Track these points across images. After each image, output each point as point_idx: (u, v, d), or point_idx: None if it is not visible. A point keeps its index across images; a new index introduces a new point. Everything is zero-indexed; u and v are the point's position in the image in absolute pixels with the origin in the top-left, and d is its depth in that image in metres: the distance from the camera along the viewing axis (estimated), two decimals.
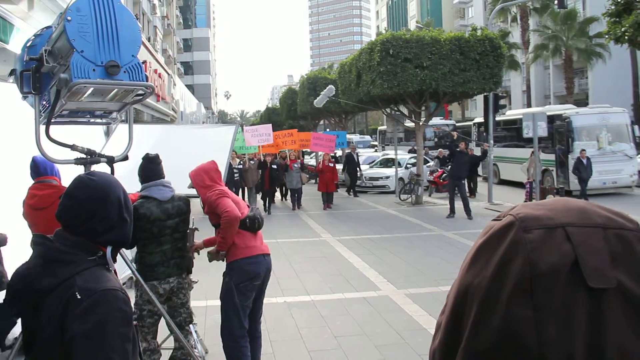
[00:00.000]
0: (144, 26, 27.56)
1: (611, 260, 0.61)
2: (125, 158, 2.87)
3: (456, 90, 14.82)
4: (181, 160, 4.48)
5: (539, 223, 0.64)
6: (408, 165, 19.33)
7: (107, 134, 5.04)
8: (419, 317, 5.78)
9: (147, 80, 2.46)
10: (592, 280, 0.60)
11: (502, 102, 17.20)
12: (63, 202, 1.68)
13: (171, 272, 3.94)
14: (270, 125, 15.89)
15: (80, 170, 2.61)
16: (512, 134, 19.95)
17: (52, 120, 2.50)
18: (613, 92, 30.79)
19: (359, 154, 19.52)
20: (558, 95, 37.10)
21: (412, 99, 15.66)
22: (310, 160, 24.46)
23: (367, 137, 39.12)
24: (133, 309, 1.85)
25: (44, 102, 2.60)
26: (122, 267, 3.28)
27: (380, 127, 35.34)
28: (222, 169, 4.32)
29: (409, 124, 18.14)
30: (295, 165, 15.70)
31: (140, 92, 2.53)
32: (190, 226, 4.18)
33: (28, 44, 2.62)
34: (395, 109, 18.37)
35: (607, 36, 19.37)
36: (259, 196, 15.83)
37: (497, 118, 17.39)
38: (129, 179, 3.38)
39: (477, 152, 17.87)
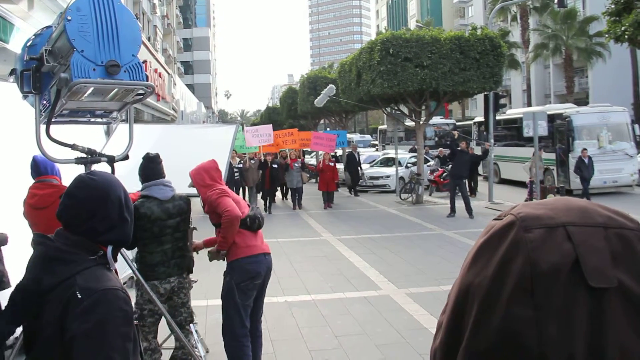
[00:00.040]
0: (144, 26, 27.55)
1: (612, 260, 0.61)
2: (126, 157, 2.87)
3: (456, 89, 14.81)
4: (181, 160, 4.47)
5: (540, 222, 0.64)
6: (408, 165, 19.32)
7: (108, 133, 5.04)
8: (420, 317, 5.78)
9: (147, 80, 2.46)
10: (592, 279, 0.59)
11: (502, 101, 17.22)
12: (64, 201, 1.68)
13: (172, 271, 3.94)
14: (270, 125, 15.90)
15: (80, 169, 2.61)
16: (512, 133, 19.95)
17: (53, 120, 2.50)
18: (613, 91, 30.78)
19: (359, 153, 19.52)
20: (558, 94, 37.08)
21: (412, 98, 15.65)
22: (310, 160, 24.46)
23: (368, 137, 39.08)
24: (134, 309, 1.85)
25: (45, 102, 2.60)
26: (123, 267, 3.28)
27: (380, 127, 35.25)
28: (223, 168, 4.32)
29: (409, 123, 18.14)
30: (296, 164, 15.70)
31: (141, 91, 2.52)
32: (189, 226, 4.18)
33: (28, 44, 2.62)
34: (396, 108, 18.37)
35: (607, 35, 19.34)
36: (259, 195, 15.82)
37: (498, 117, 17.40)
38: (129, 179, 3.38)
39: (478, 151, 17.85)
